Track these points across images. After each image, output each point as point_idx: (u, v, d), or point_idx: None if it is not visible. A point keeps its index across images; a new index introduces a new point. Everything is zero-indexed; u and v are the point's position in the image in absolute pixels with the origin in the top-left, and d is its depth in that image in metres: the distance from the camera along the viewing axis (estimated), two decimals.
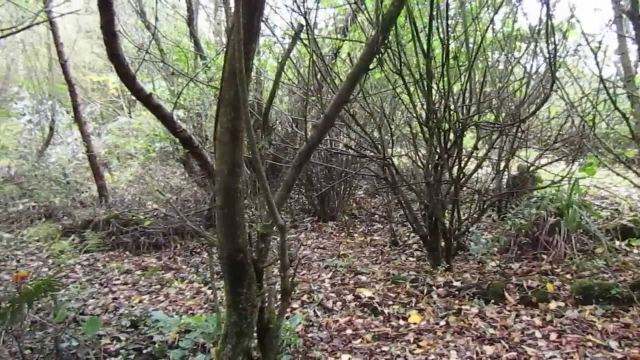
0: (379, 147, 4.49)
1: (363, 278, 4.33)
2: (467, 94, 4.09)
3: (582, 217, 4.40)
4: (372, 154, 4.85)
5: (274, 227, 2.06)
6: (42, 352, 2.85)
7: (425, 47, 3.71)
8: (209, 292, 4.25)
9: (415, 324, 3.32)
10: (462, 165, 4.33)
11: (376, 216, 6.86)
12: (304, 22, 3.43)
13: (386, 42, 3.45)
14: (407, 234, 5.82)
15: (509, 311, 3.39)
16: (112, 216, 6.25)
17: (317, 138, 2.45)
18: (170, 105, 4.13)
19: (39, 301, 3.18)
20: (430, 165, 4.30)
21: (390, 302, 3.70)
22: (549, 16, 3.37)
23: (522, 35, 4.63)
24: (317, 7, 4.11)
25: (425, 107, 4.08)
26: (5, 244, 5.99)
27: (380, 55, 3.39)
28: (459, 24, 4.33)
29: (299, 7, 3.50)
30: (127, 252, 5.90)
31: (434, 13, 3.57)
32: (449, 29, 3.80)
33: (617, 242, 4.44)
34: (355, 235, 6.10)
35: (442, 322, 3.30)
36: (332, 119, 2.45)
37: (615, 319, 3.11)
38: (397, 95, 4.77)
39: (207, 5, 9.20)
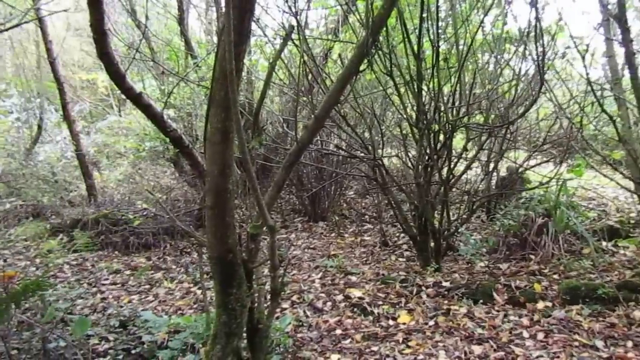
0: (370, 147, 4.50)
1: (353, 278, 4.34)
2: (457, 96, 4.11)
3: (570, 218, 4.45)
4: (362, 154, 4.86)
5: (264, 228, 2.06)
6: (30, 352, 2.83)
7: (415, 48, 3.73)
8: (199, 292, 4.24)
9: (404, 324, 3.34)
10: (452, 166, 4.36)
11: (366, 217, 6.88)
12: (295, 23, 3.44)
13: (377, 43, 3.47)
14: (397, 234, 5.85)
15: (497, 311, 3.42)
16: (101, 215, 6.21)
17: (308, 139, 2.45)
18: (160, 105, 4.12)
19: (26, 301, 3.16)
20: (420, 166, 4.32)
21: (380, 302, 3.71)
22: (538, 19, 3.41)
23: (511, 38, 4.67)
24: (308, 7, 4.12)
25: (415, 108, 4.10)
26: None
27: (371, 56, 3.41)
28: (449, 26, 4.37)
29: (290, 8, 3.51)
30: (116, 252, 5.86)
31: (425, 15, 3.59)
32: (440, 31, 3.83)
33: (604, 243, 4.49)
34: (346, 235, 6.11)
35: (431, 322, 3.32)
36: (322, 120, 2.45)
37: (601, 318, 3.15)
38: (387, 96, 4.79)
39: (198, 5, 9.17)
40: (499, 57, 4.60)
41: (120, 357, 2.98)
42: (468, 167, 4.72)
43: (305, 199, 6.94)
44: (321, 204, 6.90)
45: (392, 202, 4.74)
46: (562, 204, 4.52)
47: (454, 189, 5.06)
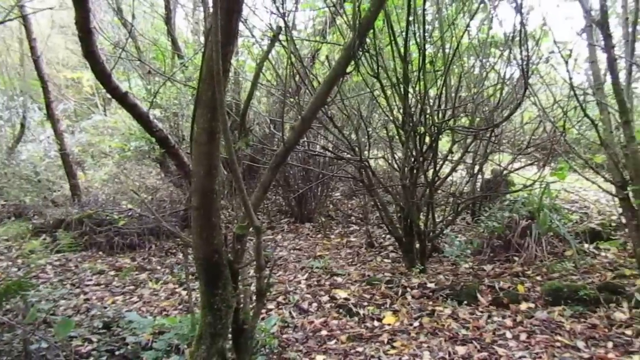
0: (356, 149, 4.52)
1: (339, 279, 4.36)
2: (442, 99, 4.15)
3: (553, 221, 4.51)
4: (349, 156, 4.88)
5: (250, 228, 2.06)
6: (11, 354, 2.79)
7: (402, 51, 3.76)
8: (184, 293, 4.22)
9: (389, 324, 3.36)
10: (437, 168, 4.39)
11: (353, 218, 6.90)
12: (282, 24, 3.45)
13: (364, 45, 3.48)
14: (383, 235, 5.87)
15: (481, 312, 3.46)
16: (85, 216, 6.14)
17: (294, 140, 2.46)
18: (146, 104, 4.09)
19: (7, 302, 3.11)
20: (406, 168, 4.35)
21: (366, 303, 3.73)
22: (523, 24, 3.46)
23: (496, 42, 4.72)
24: (296, 9, 4.13)
25: (401, 110, 4.13)
26: None
27: (358, 58, 3.42)
28: (435, 30, 4.41)
29: (277, 9, 3.51)
30: (100, 253, 5.81)
31: (411, 18, 3.62)
32: (426, 34, 3.86)
33: (586, 245, 4.56)
34: (332, 236, 6.12)
35: (416, 323, 3.34)
36: (309, 121, 2.46)
37: (582, 319, 3.20)
38: (374, 98, 4.82)
39: (185, 4, 9.12)
40: (484, 61, 4.65)
41: (104, 358, 2.95)
42: (453, 170, 4.76)
43: (291, 200, 6.94)
44: (308, 205, 6.90)
45: (378, 203, 4.76)
46: (546, 206, 4.58)
47: (439, 191, 5.10)
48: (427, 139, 4.21)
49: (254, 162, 6.45)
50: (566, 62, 3.87)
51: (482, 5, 4.32)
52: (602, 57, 4.00)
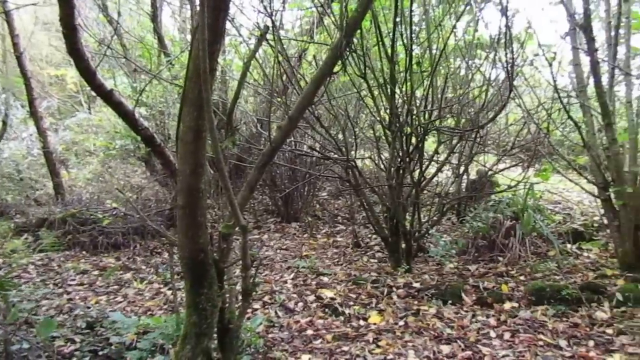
0: (343, 149, 4.53)
1: (325, 279, 4.36)
2: (429, 99, 4.18)
3: (537, 221, 4.57)
4: (336, 156, 4.89)
5: (236, 228, 2.05)
6: None
7: (389, 52, 3.78)
8: (169, 292, 4.19)
9: (375, 324, 3.37)
10: (423, 168, 4.42)
11: (339, 218, 6.91)
12: (270, 23, 3.44)
13: (351, 45, 3.50)
14: (369, 235, 5.89)
15: (466, 311, 3.49)
16: (69, 215, 6.06)
17: (281, 139, 2.46)
18: (132, 103, 4.05)
19: None
20: (392, 168, 4.37)
21: (351, 303, 3.74)
22: (508, 27, 3.50)
23: (482, 44, 4.77)
24: (284, 8, 4.12)
25: (388, 111, 4.15)
26: None
27: (345, 59, 3.43)
28: (422, 31, 4.43)
29: (265, 8, 3.51)
30: (84, 252, 5.74)
31: (398, 19, 3.64)
32: (413, 35, 3.88)
33: (569, 245, 4.63)
34: (319, 236, 6.13)
35: (401, 323, 3.36)
36: (296, 121, 2.46)
37: (565, 319, 3.24)
38: (361, 98, 4.83)
39: (171, 2, 9.05)
40: (470, 62, 4.69)
41: (87, 358, 2.92)
42: (439, 170, 4.80)
43: (278, 199, 6.93)
44: (294, 204, 6.90)
45: (365, 203, 4.78)
46: (530, 207, 4.64)
47: (425, 191, 5.13)
48: (414, 140, 4.24)
49: (241, 161, 6.42)
50: (550, 65, 3.93)
51: (468, 8, 4.36)
52: (585, 60, 4.06)
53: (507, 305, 3.50)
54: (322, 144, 5.53)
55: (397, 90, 4.01)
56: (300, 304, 3.81)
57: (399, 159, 4.31)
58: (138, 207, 5.44)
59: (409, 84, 3.88)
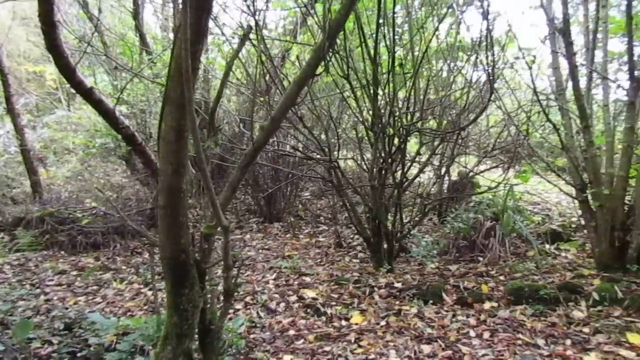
0: (326, 149, 4.54)
1: (307, 279, 4.36)
2: (411, 101, 4.21)
3: (516, 222, 4.64)
4: (318, 156, 4.89)
5: (218, 228, 2.04)
6: None
7: (372, 53, 3.79)
8: (150, 293, 4.15)
9: (357, 324, 3.38)
10: (405, 169, 4.45)
11: (322, 218, 6.92)
12: (253, 23, 3.43)
13: (334, 46, 3.50)
14: (352, 236, 5.91)
15: (446, 311, 3.52)
16: (47, 214, 5.96)
17: (264, 139, 2.45)
18: (113, 101, 4.00)
19: None
20: (374, 169, 4.39)
21: (334, 303, 3.75)
22: (489, 30, 3.55)
23: (464, 47, 4.82)
24: (267, 8, 4.11)
25: (371, 112, 4.17)
26: None
27: (328, 60, 3.44)
28: (405, 33, 4.46)
29: (248, 8, 3.49)
30: (62, 252, 5.65)
31: (382, 21, 3.66)
32: (396, 37, 3.90)
33: (547, 246, 4.71)
34: (301, 236, 6.13)
35: (383, 322, 3.37)
36: (278, 121, 2.46)
37: (543, 318, 3.29)
38: (344, 99, 4.84)
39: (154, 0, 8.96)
40: (452, 64, 4.74)
41: None
42: (421, 171, 4.84)
43: (260, 199, 6.91)
44: (277, 204, 6.89)
45: (347, 204, 4.79)
46: (509, 208, 4.71)
47: (407, 192, 5.17)
48: (396, 141, 4.26)
49: (223, 161, 6.39)
50: (530, 68, 3.99)
51: (450, 10, 4.40)
52: (564, 63, 4.14)
53: (487, 305, 3.54)
54: (304, 144, 5.53)
55: (380, 92, 4.02)
56: (283, 304, 3.80)
57: (382, 160, 4.33)
58: (118, 207, 5.38)
59: (391, 85, 3.90)
